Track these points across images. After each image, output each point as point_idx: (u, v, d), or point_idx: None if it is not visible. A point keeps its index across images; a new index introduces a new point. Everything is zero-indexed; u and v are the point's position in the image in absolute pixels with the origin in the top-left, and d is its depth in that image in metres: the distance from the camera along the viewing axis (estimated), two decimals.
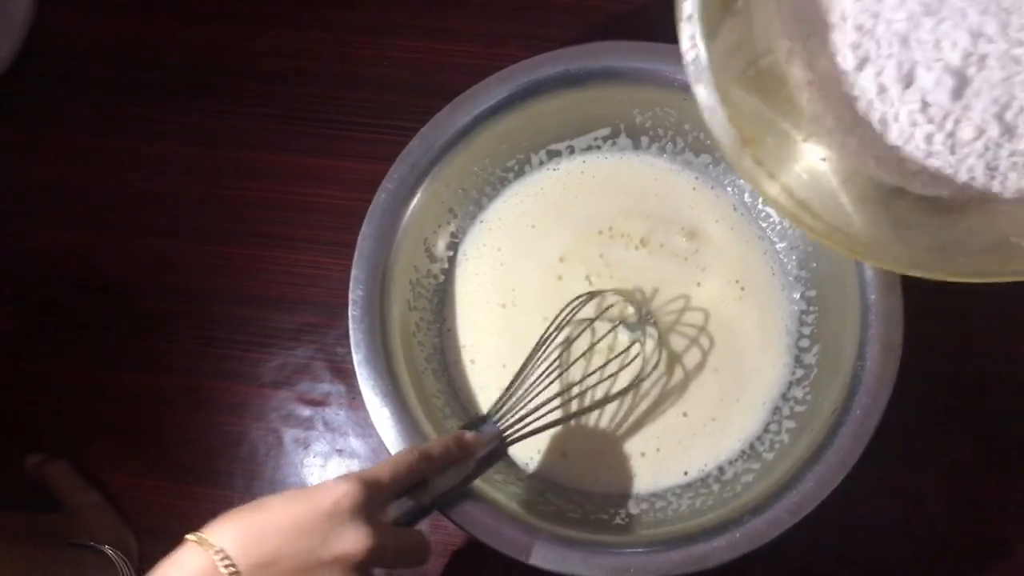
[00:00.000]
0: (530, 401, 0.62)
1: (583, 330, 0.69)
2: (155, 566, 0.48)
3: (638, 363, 0.68)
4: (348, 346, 0.67)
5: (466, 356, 0.73)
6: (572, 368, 0.70)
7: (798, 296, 0.71)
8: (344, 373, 0.80)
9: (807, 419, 0.65)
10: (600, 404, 0.67)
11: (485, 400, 0.71)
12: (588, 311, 0.69)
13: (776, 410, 0.69)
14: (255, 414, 0.79)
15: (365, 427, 0.78)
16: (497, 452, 0.60)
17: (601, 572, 0.60)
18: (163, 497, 0.78)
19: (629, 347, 0.69)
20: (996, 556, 0.71)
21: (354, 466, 0.78)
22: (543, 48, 0.72)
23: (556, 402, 0.64)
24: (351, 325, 0.67)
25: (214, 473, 0.78)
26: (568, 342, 0.69)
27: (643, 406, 0.69)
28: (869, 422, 0.61)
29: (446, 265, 0.76)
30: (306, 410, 0.79)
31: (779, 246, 0.73)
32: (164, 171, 0.86)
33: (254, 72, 0.88)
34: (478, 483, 0.62)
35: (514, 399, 0.62)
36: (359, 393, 0.67)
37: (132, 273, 0.84)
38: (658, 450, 0.68)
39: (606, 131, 0.76)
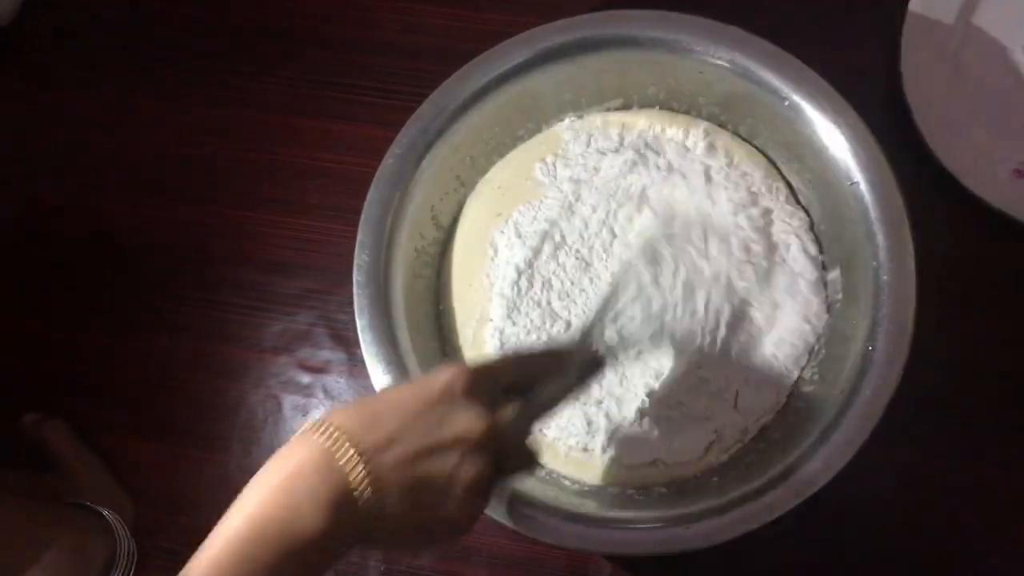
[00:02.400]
0: (619, 324, 0.62)
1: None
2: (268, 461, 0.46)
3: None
4: (350, 313, 0.66)
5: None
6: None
7: None
8: (345, 340, 0.79)
9: (816, 399, 0.65)
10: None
11: None
12: None
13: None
14: (255, 379, 0.79)
15: (365, 395, 0.77)
16: (592, 367, 0.58)
17: (607, 547, 0.60)
18: (160, 459, 0.78)
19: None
20: (1004, 542, 0.71)
21: None
22: (557, 16, 0.71)
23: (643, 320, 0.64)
24: (355, 290, 0.66)
25: (212, 437, 0.77)
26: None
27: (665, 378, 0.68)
28: (878, 403, 0.60)
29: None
30: (306, 377, 0.79)
31: None
32: (170, 130, 0.85)
33: (265, 32, 0.87)
34: None
35: (603, 317, 0.61)
36: (360, 361, 0.66)
37: (135, 233, 0.83)
38: (673, 425, 0.67)
39: (618, 102, 0.75)
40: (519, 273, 0.70)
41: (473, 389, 0.49)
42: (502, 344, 0.69)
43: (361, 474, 0.45)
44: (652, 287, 0.66)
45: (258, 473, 0.45)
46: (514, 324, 0.69)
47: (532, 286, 0.70)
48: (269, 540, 0.43)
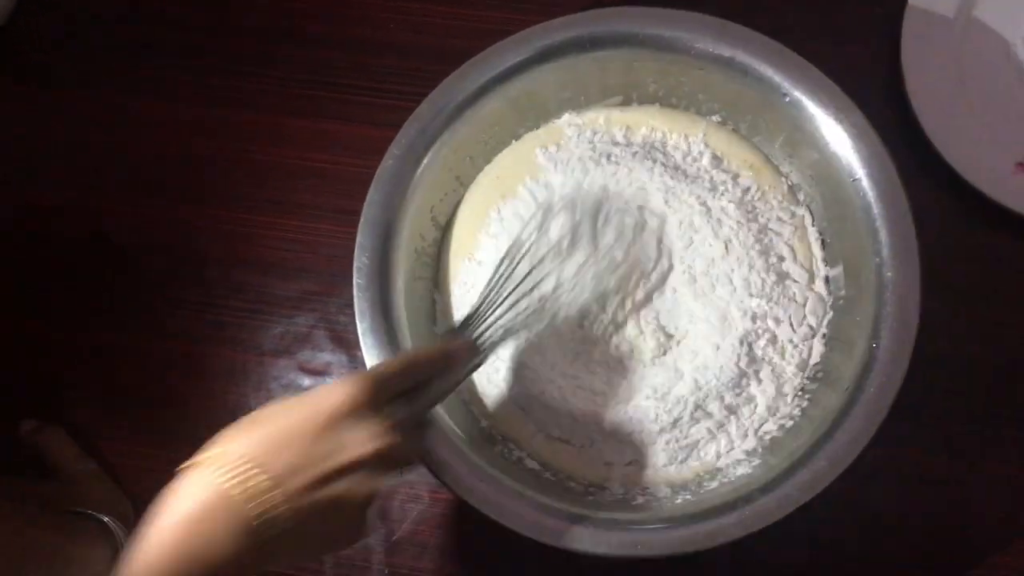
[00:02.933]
0: (505, 309, 0.61)
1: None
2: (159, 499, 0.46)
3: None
4: (350, 315, 0.66)
5: None
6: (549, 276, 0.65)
7: None
8: (346, 343, 0.78)
9: (820, 397, 0.64)
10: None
11: (491, 371, 0.70)
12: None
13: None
14: (255, 382, 0.78)
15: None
16: (479, 360, 0.60)
17: (608, 548, 0.59)
18: (159, 465, 0.75)
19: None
20: (1010, 539, 0.71)
21: None
22: (557, 14, 0.70)
23: (529, 306, 0.63)
24: (356, 293, 0.65)
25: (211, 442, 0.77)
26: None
27: (651, 377, 0.67)
28: (883, 401, 0.60)
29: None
30: (306, 379, 0.78)
31: None
32: (169, 131, 0.84)
33: (263, 32, 0.86)
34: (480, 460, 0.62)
35: (490, 308, 0.61)
36: (361, 363, 0.65)
37: (134, 234, 0.82)
38: (671, 423, 0.67)
39: (618, 99, 0.74)
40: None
41: (363, 406, 0.49)
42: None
43: (276, 501, 0.45)
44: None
45: (160, 510, 0.45)
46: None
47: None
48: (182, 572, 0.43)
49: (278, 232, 0.81)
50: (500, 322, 0.61)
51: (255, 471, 0.45)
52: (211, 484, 0.45)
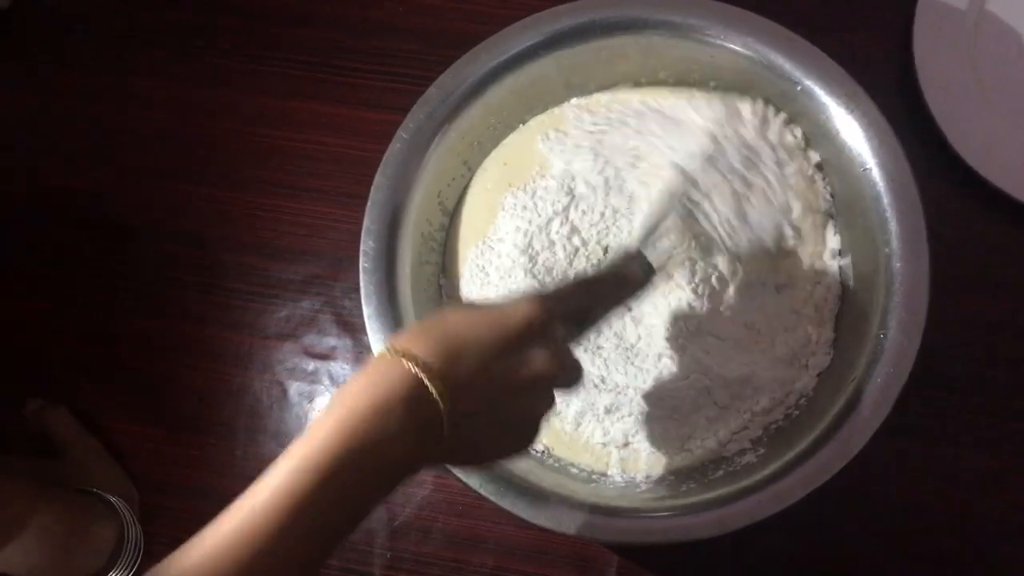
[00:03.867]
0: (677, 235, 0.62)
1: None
2: (345, 383, 0.46)
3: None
4: (356, 299, 0.66)
5: None
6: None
7: None
8: (351, 327, 0.78)
9: (828, 387, 0.64)
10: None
11: None
12: None
13: None
14: (259, 365, 0.78)
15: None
16: (646, 283, 0.59)
17: (610, 535, 0.59)
18: (164, 446, 0.77)
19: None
20: (1017, 535, 0.71)
21: None
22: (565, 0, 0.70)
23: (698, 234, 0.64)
24: (362, 277, 0.65)
25: (216, 424, 0.77)
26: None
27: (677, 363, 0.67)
28: (890, 392, 0.59)
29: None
30: (311, 363, 0.78)
31: None
32: (174, 113, 0.84)
33: (268, 14, 0.86)
34: None
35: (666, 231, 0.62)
36: (366, 347, 0.65)
37: (140, 216, 0.82)
38: (674, 408, 0.67)
39: (627, 86, 0.74)
40: (528, 236, 0.69)
41: (550, 326, 0.49)
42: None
43: (447, 410, 0.45)
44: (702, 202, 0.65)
45: (342, 393, 0.45)
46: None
47: (551, 235, 0.69)
48: (354, 463, 0.43)
49: (284, 215, 0.81)
50: (671, 246, 0.61)
51: (436, 374, 0.44)
52: (396, 375, 0.44)
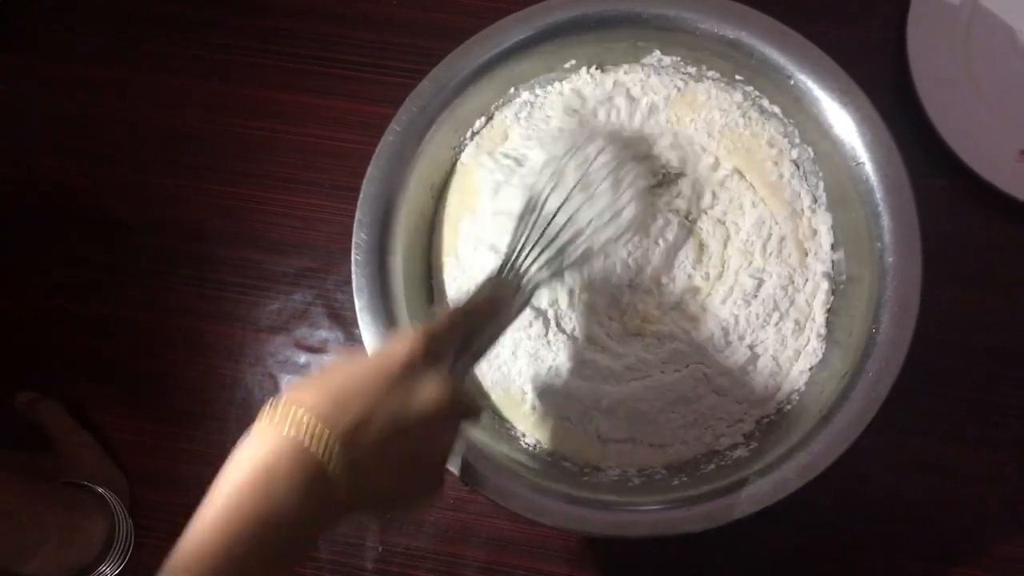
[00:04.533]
0: (542, 247, 0.60)
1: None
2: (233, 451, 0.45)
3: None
4: (348, 292, 0.66)
5: None
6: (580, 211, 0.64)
7: None
8: (343, 320, 0.78)
9: (819, 381, 0.64)
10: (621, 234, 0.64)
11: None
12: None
13: None
14: (251, 358, 0.78)
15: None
16: (524, 301, 0.59)
17: (603, 528, 0.59)
18: (155, 439, 0.77)
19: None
20: (1008, 529, 0.71)
21: None
22: None
23: (573, 241, 0.62)
24: (354, 270, 0.65)
25: (207, 417, 0.77)
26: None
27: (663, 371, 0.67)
28: (882, 386, 0.59)
29: None
30: (303, 356, 0.78)
31: None
32: (168, 105, 0.84)
33: (261, 7, 0.85)
34: (486, 441, 0.62)
35: (527, 247, 0.60)
36: (358, 340, 0.65)
37: (131, 208, 0.82)
38: (672, 402, 0.67)
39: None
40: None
41: (432, 354, 0.49)
42: None
43: (338, 459, 0.44)
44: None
45: (227, 464, 0.44)
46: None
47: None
48: (247, 531, 0.42)
49: (276, 208, 0.80)
50: (540, 260, 0.60)
51: (319, 425, 0.44)
52: (275, 438, 0.44)
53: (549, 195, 0.62)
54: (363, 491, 0.46)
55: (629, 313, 0.68)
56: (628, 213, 0.64)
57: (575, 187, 0.62)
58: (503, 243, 0.61)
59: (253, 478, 0.43)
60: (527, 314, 0.67)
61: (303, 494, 0.43)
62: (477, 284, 0.58)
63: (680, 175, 0.70)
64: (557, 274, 0.61)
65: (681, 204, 0.69)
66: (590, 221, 0.62)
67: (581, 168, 0.63)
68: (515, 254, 0.60)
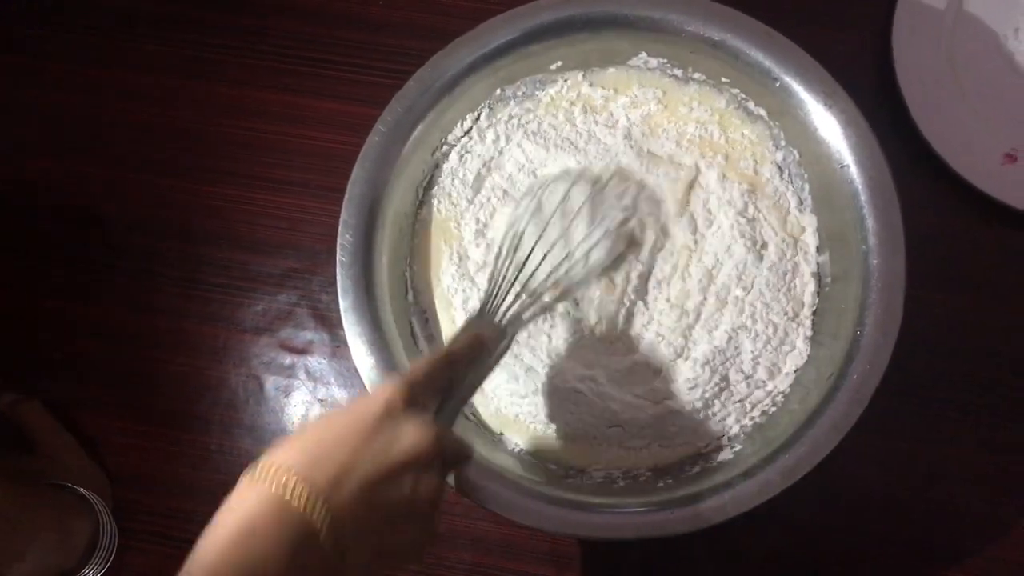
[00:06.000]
0: (523, 287, 0.60)
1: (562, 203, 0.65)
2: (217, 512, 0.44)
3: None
4: (333, 293, 0.66)
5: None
6: (555, 247, 0.64)
7: None
8: (328, 321, 0.78)
9: (804, 383, 0.64)
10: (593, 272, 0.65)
11: None
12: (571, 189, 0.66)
13: None
14: (235, 359, 0.77)
15: (348, 377, 0.76)
16: (506, 344, 0.59)
17: (588, 530, 0.59)
18: (138, 440, 0.76)
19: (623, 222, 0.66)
20: (993, 529, 0.71)
21: None
22: None
23: (548, 280, 0.62)
24: (339, 271, 0.65)
25: (191, 418, 0.76)
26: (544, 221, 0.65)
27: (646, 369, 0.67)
28: (866, 388, 0.60)
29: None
30: (288, 357, 0.78)
31: None
32: (154, 104, 0.83)
33: (248, 6, 0.85)
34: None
35: (506, 288, 0.60)
36: (343, 342, 0.65)
37: (115, 208, 0.81)
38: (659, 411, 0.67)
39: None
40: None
41: (412, 401, 0.48)
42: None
43: (320, 513, 0.43)
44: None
45: (210, 525, 0.43)
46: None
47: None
48: None
49: (261, 209, 0.80)
50: (519, 301, 0.60)
51: (297, 480, 0.43)
52: (255, 496, 0.43)
53: (526, 227, 0.63)
54: (351, 543, 0.45)
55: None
56: (598, 253, 0.65)
57: (551, 220, 0.63)
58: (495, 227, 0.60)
59: (236, 537, 0.42)
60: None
61: (287, 550, 0.42)
62: (458, 327, 0.57)
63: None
64: (536, 316, 0.61)
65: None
66: (564, 257, 0.63)
67: (557, 201, 0.64)
68: (495, 292, 0.60)
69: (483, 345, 0.57)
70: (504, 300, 0.60)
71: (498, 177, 0.71)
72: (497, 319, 0.59)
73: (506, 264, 0.61)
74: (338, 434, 0.46)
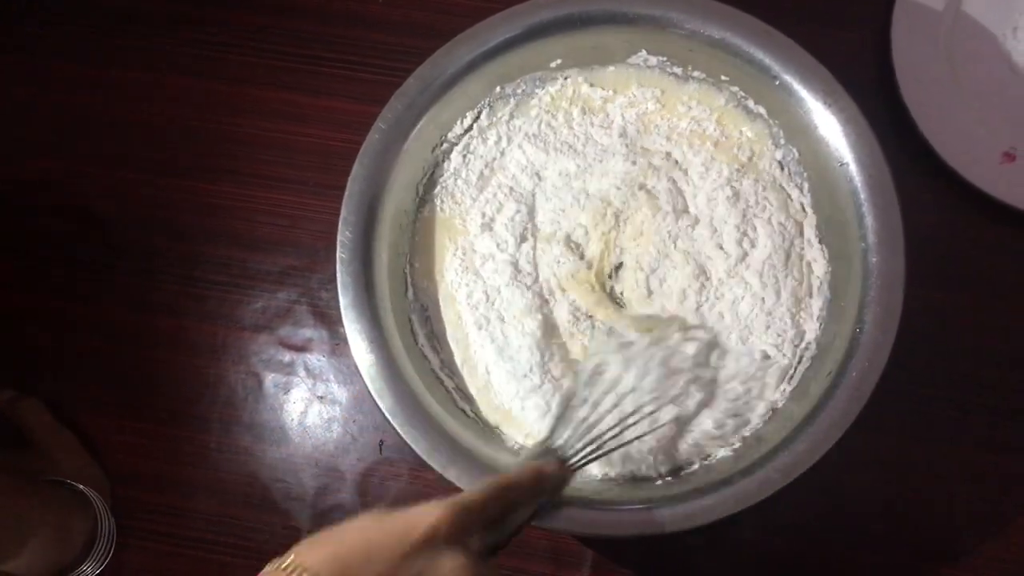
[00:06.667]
0: (591, 427, 0.59)
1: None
2: None
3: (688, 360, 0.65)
4: (332, 291, 0.65)
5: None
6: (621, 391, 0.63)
7: None
8: (327, 319, 0.78)
9: (803, 381, 0.64)
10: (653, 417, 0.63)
11: (475, 352, 0.69)
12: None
13: None
14: (235, 357, 0.78)
15: (347, 374, 0.77)
16: (567, 481, 0.57)
17: (584, 527, 0.59)
18: (137, 438, 0.76)
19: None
20: (994, 528, 0.71)
21: (336, 413, 0.76)
22: None
23: (614, 424, 0.60)
24: (339, 268, 0.65)
25: (191, 416, 0.76)
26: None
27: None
28: (865, 386, 0.59)
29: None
30: (287, 355, 0.78)
31: None
32: (154, 103, 0.83)
33: (248, 5, 0.85)
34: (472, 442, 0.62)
35: (575, 427, 0.59)
36: (342, 339, 0.65)
37: (114, 206, 0.81)
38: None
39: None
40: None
41: (458, 535, 0.46)
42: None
43: None
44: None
45: None
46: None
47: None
48: None
49: (261, 206, 0.80)
50: (587, 440, 0.58)
51: None
52: None
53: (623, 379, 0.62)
54: None
55: None
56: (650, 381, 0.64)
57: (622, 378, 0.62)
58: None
59: None
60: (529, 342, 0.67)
61: None
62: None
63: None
64: (599, 458, 0.59)
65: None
66: (637, 408, 0.61)
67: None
68: (569, 433, 0.58)
69: (546, 479, 0.55)
70: (577, 441, 0.58)
71: (502, 176, 0.71)
72: (562, 455, 0.57)
73: (579, 406, 0.60)
74: (372, 549, 0.44)
